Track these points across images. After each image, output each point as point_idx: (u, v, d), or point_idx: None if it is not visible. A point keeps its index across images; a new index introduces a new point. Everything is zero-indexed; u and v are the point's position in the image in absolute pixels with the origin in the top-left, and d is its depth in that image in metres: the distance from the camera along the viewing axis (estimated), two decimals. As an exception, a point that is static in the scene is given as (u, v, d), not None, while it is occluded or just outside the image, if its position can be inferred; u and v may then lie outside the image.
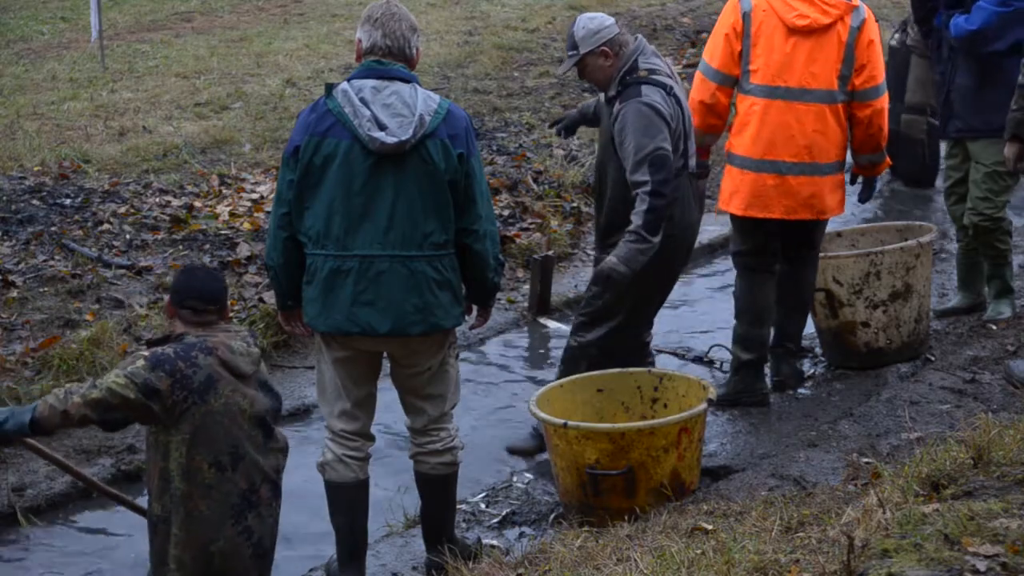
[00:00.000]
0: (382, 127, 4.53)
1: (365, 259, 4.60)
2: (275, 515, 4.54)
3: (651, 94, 5.50)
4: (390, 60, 4.64)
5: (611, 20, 5.72)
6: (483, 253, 4.73)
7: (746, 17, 5.91)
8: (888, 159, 6.20)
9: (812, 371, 6.69)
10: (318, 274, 4.66)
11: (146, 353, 4.32)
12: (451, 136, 4.59)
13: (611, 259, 5.48)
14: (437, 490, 4.95)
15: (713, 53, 6.04)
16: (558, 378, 5.80)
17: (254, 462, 4.41)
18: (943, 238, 8.08)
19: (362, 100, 4.55)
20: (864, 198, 6.36)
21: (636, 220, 5.43)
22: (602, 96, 5.83)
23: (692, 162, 5.73)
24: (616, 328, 5.80)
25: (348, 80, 4.65)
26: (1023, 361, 5.98)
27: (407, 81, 4.61)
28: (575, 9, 14.17)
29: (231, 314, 7.06)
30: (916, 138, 9.66)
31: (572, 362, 5.84)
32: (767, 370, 6.35)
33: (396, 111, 4.55)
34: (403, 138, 4.51)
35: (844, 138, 5.98)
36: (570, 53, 5.71)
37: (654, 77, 5.56)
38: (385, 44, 4.64)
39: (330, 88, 4.62)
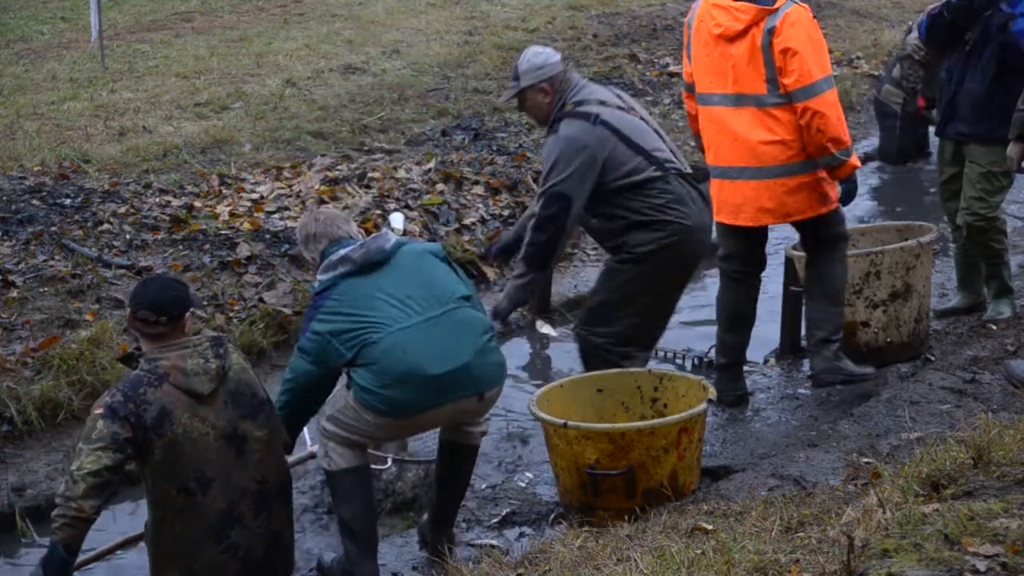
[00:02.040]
0: None
1: None
2: (273, 523, 4.53)
3: (567, 128, 5.64)
4: None
5: (557, 57, 5.82)
6: None
7: (689, 28, 6.00)
8: (850, 161, 5.87)
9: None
10: None
11: (100, 409, 4.34)
12: None
13: (500, 297, 5.87)
14: (468, 461, 5.13)
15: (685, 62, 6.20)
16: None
17: (226, 482, 4.41)
18: (943, 240, 8.08)
19: None
20: (843, 201, 6.10)
21: (520, 252, 5.73)
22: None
23: (680, 164, 5.81)
24: (630, 327, 5.85)
25: None
26: (1023, 361, 5.98)
27: None
28: (575, 9, 14.18)
29: (231, 315, 7.08)
30: (890, 111, 9.71)
31: (596, 362, 5.89)
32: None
33: None
34: None
35: (797, 138, 5.82)
36: (512, 84, 5.82)
37: (578, 109, 5.67)
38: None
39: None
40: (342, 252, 4.79)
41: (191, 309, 4.55)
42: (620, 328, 5.85)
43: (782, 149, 5.81)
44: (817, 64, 5.71)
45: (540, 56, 5.74)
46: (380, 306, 4.69)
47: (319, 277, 4.80)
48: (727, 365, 6.29)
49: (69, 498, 4.25)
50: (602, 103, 5.74)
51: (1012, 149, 5.93)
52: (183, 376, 4.38)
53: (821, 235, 6.12)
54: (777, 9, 5.71)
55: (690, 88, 6.11)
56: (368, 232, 8.02)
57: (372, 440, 4.93)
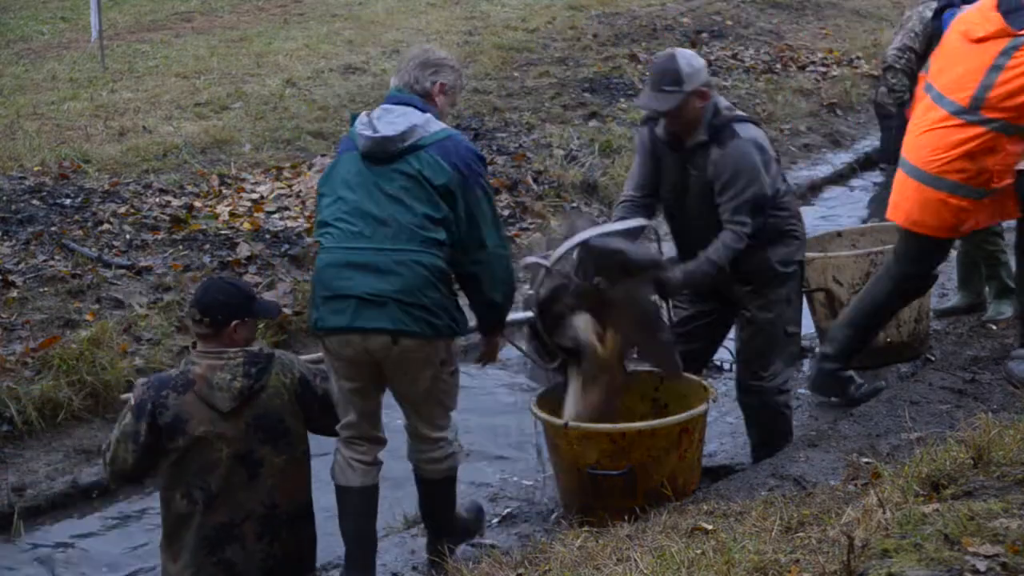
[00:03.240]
0: (374, 131, 4.63)
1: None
2: (276, 548, 4.51)
3: (748, 130, 5.32)
4: (408, 92, 4.80)
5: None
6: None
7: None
8: None
9: (812, 371, 6.68)
10: None
11: (133, 400, 4.46)
12: (442, 155, 4.60)
13: (677, 272, 5.33)
14: (428, 497, 4.95)
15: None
16: (768, 442, 5.62)
17: (232, 499, 4.40)
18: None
19: (374, 116, 4.70)
20: None
21: (719, 252, 5.29)
22: (649, 131, 5.58)
23: None
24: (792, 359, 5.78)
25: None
26: (1023, 362, 5.97)
27: (422, 110, 4.71)
28: (575, 9, 14.18)
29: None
30: (888, 112, 9.72)
31: (782, 418, 5.68)
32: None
33: (392, 121, 4.64)
34: (385, 133, 4.58)
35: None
36: (670, 89, 5.25)
37: (739, 114, 5.41)
38: (401, 80, 4.83)
39: (353, 117, 4.80)
40: (362, 118, 4.74)
41: (243, 318, 4.45)
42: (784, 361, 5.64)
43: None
44: None
45: (696, 59, 5.35)
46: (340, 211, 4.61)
47: None
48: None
49: (105, 465, 4.54)
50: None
51: None
52: (208, 388, 4.37)
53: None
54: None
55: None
56: None
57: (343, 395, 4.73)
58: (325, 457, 4.86)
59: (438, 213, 4.56)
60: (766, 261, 5.43)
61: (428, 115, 4.70)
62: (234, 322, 4.42)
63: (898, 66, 9.12)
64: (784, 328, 5.56)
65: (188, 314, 4.57)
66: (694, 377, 5.63)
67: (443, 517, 4.98)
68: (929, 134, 5.62)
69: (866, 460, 4.86)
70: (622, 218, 5.51)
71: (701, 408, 5.21)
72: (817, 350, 6.47)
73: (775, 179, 5.39)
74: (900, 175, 5.80)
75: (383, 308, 4.48)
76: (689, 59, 5.32)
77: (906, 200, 5.77)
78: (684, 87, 5.23)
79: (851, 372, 6.17)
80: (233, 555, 4.43)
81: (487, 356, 5.06)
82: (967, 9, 5.97)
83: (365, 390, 4.68)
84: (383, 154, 4.59)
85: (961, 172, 5.54)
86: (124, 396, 4.71)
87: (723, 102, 5.42)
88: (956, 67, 5.59)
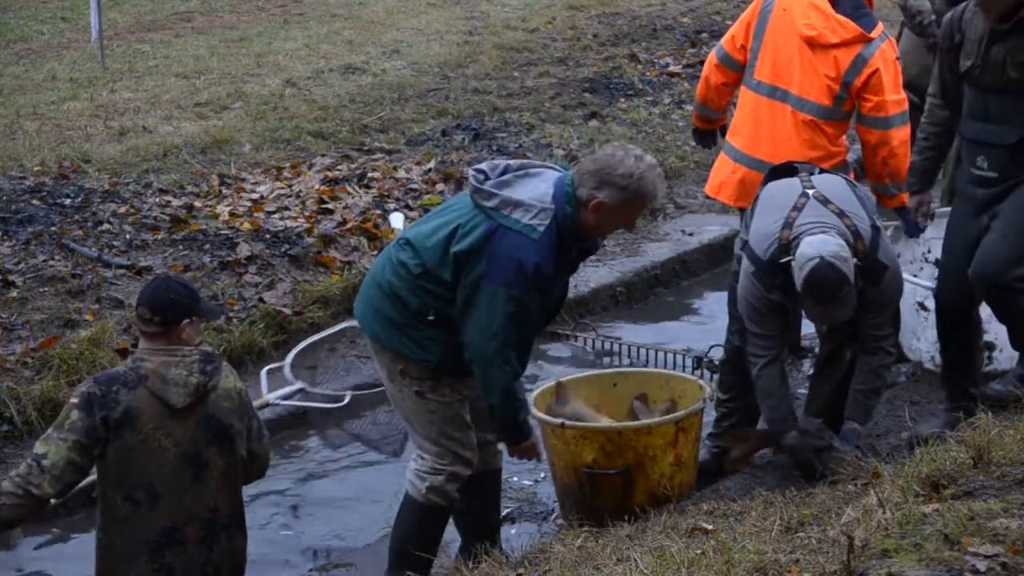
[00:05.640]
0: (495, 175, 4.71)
1: None
2: (208, 555, 4.40)
3: (889, 252, 5.15)
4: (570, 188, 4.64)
5: None
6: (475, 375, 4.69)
7: (764, 13, 5.81)
8: (901, 195, 5.85)
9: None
10: None
11: (76, 399, 4.28)
12: (488, 247, 4.53)
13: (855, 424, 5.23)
14: (402, 507, 4.91)
15: (727, 36, 6.01)
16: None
17: (177, 501, 4.31)
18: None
19: (526, 170, 4.77)
20: (909, 232, 6.09)
21: (878, 379, 5.23)
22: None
23: None
24: None
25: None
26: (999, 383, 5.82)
27: (554, 199, 4.59)
28: (575, 9, 14.17)
29: (231, 315, 7.07)
30: None
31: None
32: None
33: (517, 185, 4.65)
34: (479, 180, 4.64)
35: (837, 152, 5.77)
36: (843, 294, 4.90)
37: (870, 235, 5.07)
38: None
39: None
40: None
41: (191, 317, 4.41)
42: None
43: (822, 160, 5.74)
44: (895, 102, 5.68)
45: (843, 249, 4.92)
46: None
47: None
48: None
49: (31, 482, 4.22)
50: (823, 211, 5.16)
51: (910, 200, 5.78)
52: (161, 383, 4.28)
53: None
54: (872, 40, 5.62)
55: (729, 61, 5.91)
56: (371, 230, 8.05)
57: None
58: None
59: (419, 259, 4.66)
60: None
61: (550, 189, 4.61)
62: (184, 321, 4.39)
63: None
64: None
65: (137, 313, 4.43)
66: (690, 377, 5.64)
67: (398, 544, 4.89)
68: None
69: (866, 460, 4.86)
70: None
71: (697, 406, 5.21)
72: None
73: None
74: None
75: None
76: (840, 254, 4.87)
77: None
78: (852, 282, 4.91)
79: None
80: (172, 559, 4.32)
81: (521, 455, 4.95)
82: None
83: None
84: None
85: None
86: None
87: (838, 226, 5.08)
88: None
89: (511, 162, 4.74)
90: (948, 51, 5.27)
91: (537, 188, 4.60)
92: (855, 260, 4.90)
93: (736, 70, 5.94)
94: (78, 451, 4.23)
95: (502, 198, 4.55)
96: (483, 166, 4.69)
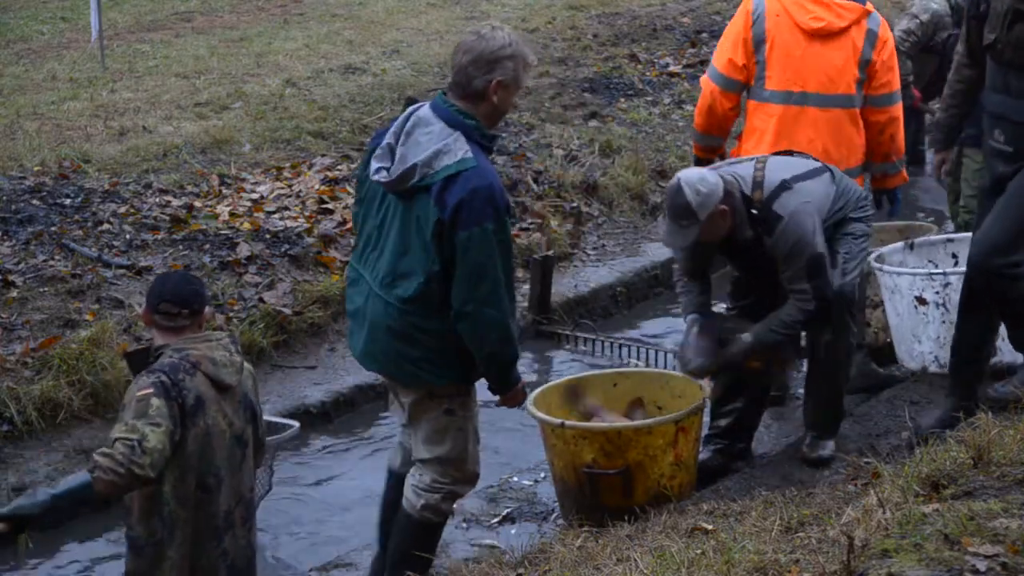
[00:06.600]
0: (392, 160, 4.49)
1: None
2: (248, 538, 4.41)
3: (787, 203, 5.19)
4: (452, 96, 4.50)
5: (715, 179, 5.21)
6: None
7: (757, 24, 5.77)
8: (904, 173, 6.03)
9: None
10: None
11: (149, 389, 4.14)
12: (441, 200, 4.39)
13: (747, 338, 5.34)
14: (398, 518, 4.83)
15: (721, 61, 5.92)
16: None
17: (231, 483, 4.31)
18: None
19: (404, 129, 4.51)
20: (891, 212, 6.19)
21: (784, 327, 5.29)
22: None
23: None
24: None
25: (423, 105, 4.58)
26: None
27: (453, 127, 4.45)
28: (575, 9, 14.17)
29: (231, 315, 7.07)
30: None
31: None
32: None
33: (411, 149, 4.46)
34: (387, 180, 4.48)
35: (862, 143, 5.88)
36: (687, 223, 5.13)
37: (770, 183, 5.23)
38: (452, 78, 4.54)
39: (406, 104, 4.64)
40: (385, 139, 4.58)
41: (209, 304, 4.48)
42: None
43: (853, 152, 5.77)
44: (897, 71, 5.87)
45: (703, 182, 5.14)
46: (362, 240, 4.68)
47: None
48: None
49: (134, 461, 4.00)
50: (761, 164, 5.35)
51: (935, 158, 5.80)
52: (213, 366, 4.26)
53: None
54: (873, 11, 5.74)
55: (732, 85, 5.86)
56: None
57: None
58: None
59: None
60: None
61: (457, 135, 4.45)
62: (207, 308, 4.44)
63: (902, 48, 9.11)
64: None
65: (159, 310, 4.36)
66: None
67: (395, 554, 4.82)
68: None
69: (866, 460, 4.87)
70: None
71: (696, 405, 5.21)
72: None
73: (836, 211, 5.32)
74: None
75: None
76: (695, 186, 5.11)
77: None
78: (699, 217, 5.10)
79: None
80: (229, 544, 4.30)
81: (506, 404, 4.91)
82: None
83: None
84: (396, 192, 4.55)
85: None
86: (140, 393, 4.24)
87: (747, 178, 5.22)
88: None
89: (388, 139, 4.52)
90: (973, 18, 5.21)
91: (430, 131, 4.44)
92: (752, 210, 5.17)
93: (740, 91, 5.91)
94: (169, 438, 4.11)
95: (417, 165, 4.40)
96: (375, 165, 4.52)
